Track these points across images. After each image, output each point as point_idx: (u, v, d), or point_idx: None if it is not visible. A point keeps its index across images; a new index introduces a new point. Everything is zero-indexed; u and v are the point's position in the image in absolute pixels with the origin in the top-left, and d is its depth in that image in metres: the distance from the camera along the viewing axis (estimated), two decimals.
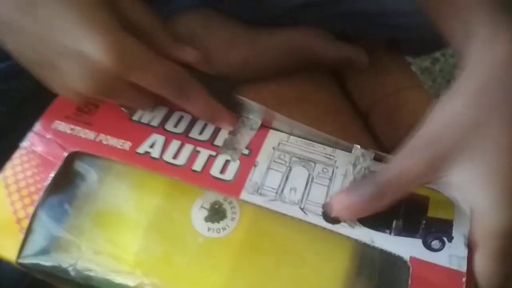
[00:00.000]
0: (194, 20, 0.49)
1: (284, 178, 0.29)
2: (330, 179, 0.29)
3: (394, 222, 0.27)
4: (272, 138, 0.31)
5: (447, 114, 0.27)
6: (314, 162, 0.30)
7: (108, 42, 0.26)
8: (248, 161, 0.30)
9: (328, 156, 0.30)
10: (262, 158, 0.30)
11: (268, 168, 0.29)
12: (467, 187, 0.26)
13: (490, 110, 0.25)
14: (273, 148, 0.30)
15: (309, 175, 0.29)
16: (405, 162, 0.26)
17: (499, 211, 0.24)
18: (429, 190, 0.29)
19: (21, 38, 0.28)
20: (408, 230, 0.27)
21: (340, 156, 0.30)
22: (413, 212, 0.28)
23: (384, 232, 0.27)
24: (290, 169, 0.29)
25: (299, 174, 0.29)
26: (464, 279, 0.26)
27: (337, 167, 0.29)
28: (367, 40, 0.49)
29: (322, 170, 0.29)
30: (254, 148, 0.30)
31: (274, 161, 0.30)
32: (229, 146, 0.30)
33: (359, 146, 0.29)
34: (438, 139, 0.26)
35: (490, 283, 0.25)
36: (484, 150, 0.25)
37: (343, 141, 0.31)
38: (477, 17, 0.28)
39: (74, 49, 0.26)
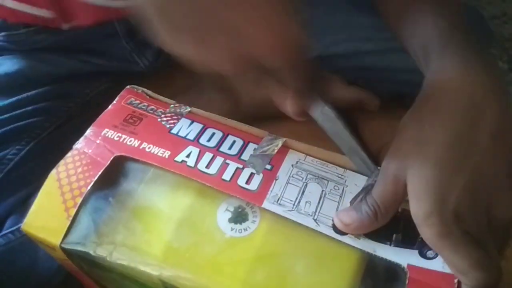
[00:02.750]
0: None
1: (301, 192, 0.33)
2: (340, 196, 0.33)
3: (394, 236, 0.32)
4: (291, 156, 0.36)
5: (407, 131, 0.33)
6: (327, 180, 0.34)
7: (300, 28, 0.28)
8: (270, 175, 0.34)
9: (339, 175, 0.35)
10: (282, 173, 0.34)
11: (287, 182, 0.34)
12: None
13: (435, 130, 0.31)
14: (292, 165, 0.35)
15: (322, 191, 0.34)
16: (380, 181, 0.31)
17: (420, 201, 0.29)
18: None
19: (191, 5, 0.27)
20: (406, 243, 0.31)
21: (350, 177, 0.35)
22: (411, 227, 0.32)
23: (385, 243, 0.31)
24: (306, 185, 0.34)
25: (314, 190, 0.34)
26: (456, 280, 0.30)
27: (346, 186, 0.34)
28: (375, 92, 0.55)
29: (334, 188, 0.34)
30: (275, 164, 0.35)
31: (293, 176, 0.34)
32: (253, 162, 0.35)
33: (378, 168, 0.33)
34: (399, 152, 0.32)
35: (458, 270, 0.29)
36: (424, 161, 0.30)
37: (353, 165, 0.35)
38: (432, 43, 0.35)
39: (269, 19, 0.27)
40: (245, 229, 0.33)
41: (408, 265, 0.30)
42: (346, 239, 0.31)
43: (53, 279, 0.41)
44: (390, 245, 0.31)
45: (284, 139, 0.37)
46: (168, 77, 0.54)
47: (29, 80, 0.45)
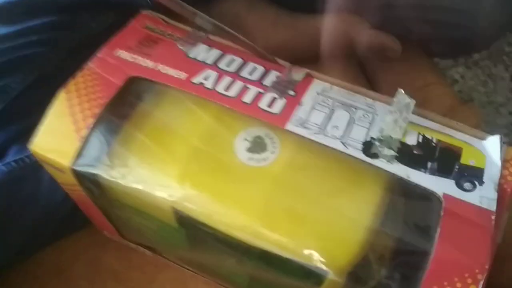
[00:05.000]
0: (239, 2, 0.52)
1: (327, 117, 0.31)
2: (370, 123, 0.31)
3: (429, 164, 0.29)
4: (316, 85, 0.33)
5: None
6: (356, 108, 0.32)
7: None
8: (294, 100, 0.32)
9: (369, 105, 0.32)
10: (307, 100, 0.32)
11: (313, 108, 0.31)
12: None
13: None
14: (317, 93, 0.32)
15: (351, 117, 0.31)
16: None
17: None
18: (463, 142, 0.31)
19: None
20: (442, 171, 0.29)
21: (380, 107, 0.32)
22: (447, 157, 0.30)
23: (419, 170, 0.29)
24: (333, 111, 0.31)
25: (341, 116, 0.31)
26: (493, 217, 0.27)
27: (377, 115, 0.31)
28: (400, 36, 0.52)
29: (363, 115, 0.31)
30: (299, 91, 0.32)
31: (318, 103, 0.32)
32: (276, 87, 0.32)
33: (402, 91, 0.31)
34: None
35: None
36: None
37: (382, 97, 0.33)
38: None
39: None
40: (264, 159, 0.31)
41: (444, 195, 0.28)
42: (378, 162, 0.29)
43: (56, 212, 0.39)
44: (425, 172, 0.29)
45: (308, 70, 0.34)
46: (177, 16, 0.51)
47: (32, 8, 0.43)
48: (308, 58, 0.52)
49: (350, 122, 0.31)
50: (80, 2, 0.46)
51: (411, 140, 0.30)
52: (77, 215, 0.39)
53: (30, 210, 0.38)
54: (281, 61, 0.35)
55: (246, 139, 0.31)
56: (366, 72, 0.57)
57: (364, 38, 0.50)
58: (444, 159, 0.29)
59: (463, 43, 0.53)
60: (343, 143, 0.30)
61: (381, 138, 0.30)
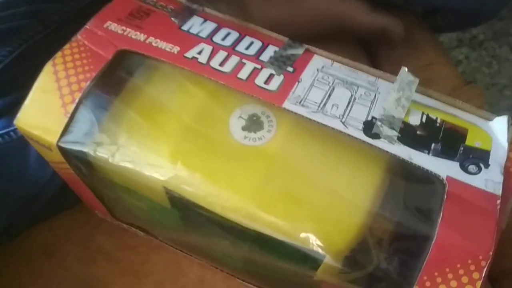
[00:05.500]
0: None
1: (327, 95, 0.29)
2: (372, 102, 0.29)
3: (433, 145, 0.28)
4: (316, 61, 0.31)
5: None
6: (357, 86, 0.30)
7: None
8: (292, 77, 0.30)
9: (371, 83, 0.31)
10: (306, 76, 0.30)
11: (312, 85, 0.30)
12: None
13: None
14: (317, 70, 0.31)
15: (352, 95, 0.30)
16: None
17: None
18: (468, 123, 0.29)
19: None
20: (446, 153, 0.27)
21: (383, 85, 0.31)
22: (452, 138, 0.28)
23: (422, 152, 0.27)
24: (333, 89, 0.30)
25: (342, 94, 0.30)
26: (498, 202, 0.26)
27: (379, 93, 0.30)
28: (406, 9, 0.50)
29: (365, 93, 0.30)
30: (298, 67, 0.31)
31: (318, 80, 0.30)
32: (273, 62, 0.31)
33: (406, 69, 0.30)
34: None
35: None
36: None
37: (384, 75, 0.31)
38: None
39: None
40: (260, 138, 0.29)
41: (447, 177, 0.27)
42: (379, 143, 0.27)
43: (45, 190, 0.38)
44: (428, 153, 0.27)
45: (307, 46, 0.33)
46: None
47: None
48: (306, 37, 0.51)
49: (351, 101, 0.29)
50: None
51: (414, 120, 0.29)
52: (67, 193, 0.38)
53: (16, 187, 0.36)
54: (279, 36, 0.33)
55: (241, 117, 0.30)
56: (368, 51, 0.56)
57: (365, 21, 0.48)
58: (449, 140, 0.28)
59: (470, 12, 0.51)
60: (343, 122, 0.28)
61: (383, 117, 0.28)
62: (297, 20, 0.49)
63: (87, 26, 0.31)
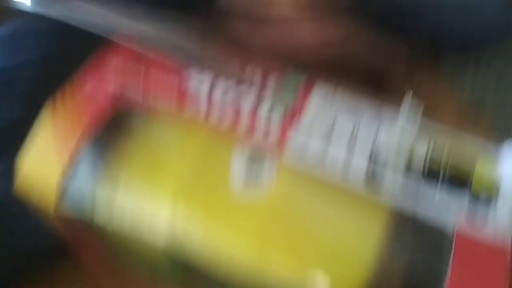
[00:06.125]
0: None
1: (331, 125, 0.29)
2: (377, 130, 0.29)
3: (439, 185, 0.27)
4: (319, 90, 0.31)
5: None
6: (361, 114, 0.29)
7: None
8: (295, 108, 0.30)
9: (375, 110, 0.30)
10: (309, 106, 0.30)
11: (315, 115, 0.29)
12: None
13: None
14: (320, 99, 0.30)
15: (356, 123, 0.29)
16: None
17: None
18: (475, 155, 0.28)
19: None
20: (453, 194, 0.26)
21: (387, 113, 0.30)
22: (458, 179, 0.27)
23: (427, 199, 0.26)
24: (337, 118, 0.29)
25: (346, 123, 0.29)
26: (508, 249, 0.25)
27: (384, 121, 0.29)
28: (410, 39, 0.50)
29: (369, 121, 0.29)
30: (300, 97, 0.30)
31: (321, 110, 0.30)
32: (276, 93, 0.31)
33: (409, 96, 0.29)
34: None
35: None
36: None
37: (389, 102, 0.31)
38: None
39: None
40: (260, 187, 0.29)
41: (456, 220, 0.26)
42: (385, 172, 0.27)
43: (41, 256, 0.38)
44: (435, 195, 0.26)
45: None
46: None
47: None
48: (305, 62, 0.50)
49: (355, 129, 0.29)
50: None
51: (421, 148, 0.28)
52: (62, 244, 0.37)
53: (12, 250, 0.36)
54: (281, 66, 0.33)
55: (240, 166, 0.30)
56: (370, 80, 0.55)
57: (365, 48, 0.48)
58: (455, 180, 0.27)
59: (475, 35, 0.51)
60: (348, 152, 0.28)
61: (389, 146, 0.28)
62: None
63: (83, 78, 0.31)
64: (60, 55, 0.42)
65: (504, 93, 0.92)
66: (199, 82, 0.32)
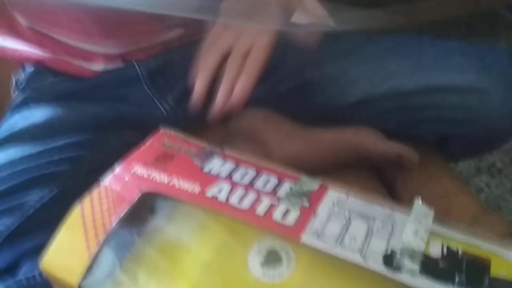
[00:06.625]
0: (256, 117, 0.54)
1: (344, 229, 0.30)
2: (390, 235, 0.30)
3: (457, 277, 0.27)
4: (332, 195, 0.32)
5: None
6: (374, 219, 0.31)
7: None
8: (308, 211, 0.31)
9: (387, 215, 0.31)
10: (322, 210, 0.31)
11: (328, 219, 0.30)
12: None
13: None
14: (333, 203, 0.32)
15: (369, 228, 0.30)
16: None
17: None
18: (491, 253, 0.29)
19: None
20: (471, 285, 0.27)
21: (399, 217, 0.31)
22: (475, 270, 0.27)
23: (446, 285, 0.27)
24: (350, 222, 0.30)
25: (359, 227, 0.30)
26: None
27: (396, 226, 0.30)
28: (417, 139, 0.52)
29: (382, 226, 0.30)
30: (313, 202, 0.32)
31: (334, 214, 0.31)
32: (290, 198, 0.32)
33: (420, 201, 0.30)
34: None
35: None
36: None
37: (400, 207, 0.32)
38: None
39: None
40: (279, 275, 0.29)
41: None
42: (400, 276, 0.27)
43: None
44: (453, 286, 0.27)
45: (322, 180, 0.34)
46: (198, 132, 0.54)
47: (56, 129, 0.46)
48: (325, 168, 0.53)
49: (369, 234, 0.30)
50: (102, 122, 0.49)
51: (435, 252, 0.29)
52: None
53: None
54: (294, 172, 0.35)
55: (260, 253, 0.30)
56: (384, 180, 0.57)
57: (380, 149, 0.50)
58: (472, 272, 0.27)
59: (479, 139, 0.53)
60: (362, 255, 0.28)
61: (403, 250, 0.28)
62: (316, 153, 0.52)
63: (115, 171, 0.34)
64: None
65: None
66: (220, 166, 0.34)
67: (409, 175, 0.54)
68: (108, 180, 0.33)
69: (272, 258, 0.30)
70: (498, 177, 0.99)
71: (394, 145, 0.50)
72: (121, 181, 0.33)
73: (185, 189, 0.32)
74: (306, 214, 0.31)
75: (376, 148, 0.50)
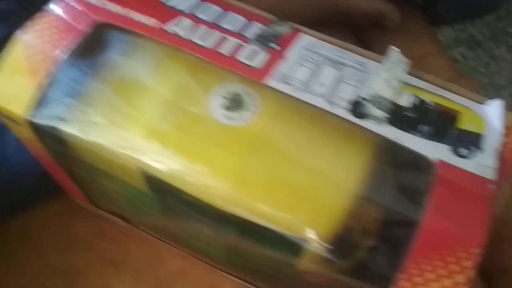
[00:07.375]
0: None
1: (313, 73, 0.28)
2: (360, 82, 0.28)
3: (423, 127, 0.26)
4: (303, 40, 0.30)
5: None
6: (345, 65, 0.29)
7: None
8: (277, 54, 0.29)
9: (359, 63, 0.29)
10: (292, 54, 0.29)
11: (297, 63, 0.28)
12: None
13: None
14: (304, 48, 0.29)
15: (339, 74, 0.28)
16: None
17: None
18: (461, 106, 0.28)
19: None
20: (437, 135, 0.26)
21: (372, 65, 0.29)
22: (443, 121, 0.27)
23: (412, 134, 0.26)
24: (320, 67, 0.28)
25: (329, 73, 0.28)
26: (491, 187, 0.24)
27: (368, 73, 0.28)
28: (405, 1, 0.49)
29: (353, 73, 0.28)
30: (283, 45, 0.29)
31: (304, 58, 0.29)
32: (258, 39, 0.29)
33: (396, 48, 0.28)
34: None
35: None
36: None
37: (375, 56, 0.30)
38: None
39: None
40: (241, 118, 0.28)
41: (438, 160, 0.25)
42: (366, 123, 0.26)
43: (24, 178, 0.36)
44: (418, 136, 0.26)
45: (294, 24, 0.31)
46: None
47: None
48: (300, 21, 0.49)
49: (338, 80, 0.28)
50: None
51: (405, 101, 0.27)
52: (48, 182, 0.36)
53: None
54: (265, 14, 0.31)
55: (222, 95, 0.28)
56: (361, 40, 0.54)
57: (361, 3, 0.47)
58: (440, 123, 0.27)
59: (471, 4, 0.50)
60: (328, 101, 0.27)
61: (371, 97, 0.27)
62: (293, 5, 0.48)
63: None
64: None
65: (493, 72, 0.93)
66: (181, 2, 0.31)
67: (387, 35, 0.52)
68: (55, 6, 0.30)
69: (235, 101, 0.28)
70: (475, 49, 0.98)
71: (375, 1, 0.46)
72: (69, 8, 0.29)
73: (143, 22, 0.29)
74: (275, 57, 0.28)
75: (358, 3, 0.46)
